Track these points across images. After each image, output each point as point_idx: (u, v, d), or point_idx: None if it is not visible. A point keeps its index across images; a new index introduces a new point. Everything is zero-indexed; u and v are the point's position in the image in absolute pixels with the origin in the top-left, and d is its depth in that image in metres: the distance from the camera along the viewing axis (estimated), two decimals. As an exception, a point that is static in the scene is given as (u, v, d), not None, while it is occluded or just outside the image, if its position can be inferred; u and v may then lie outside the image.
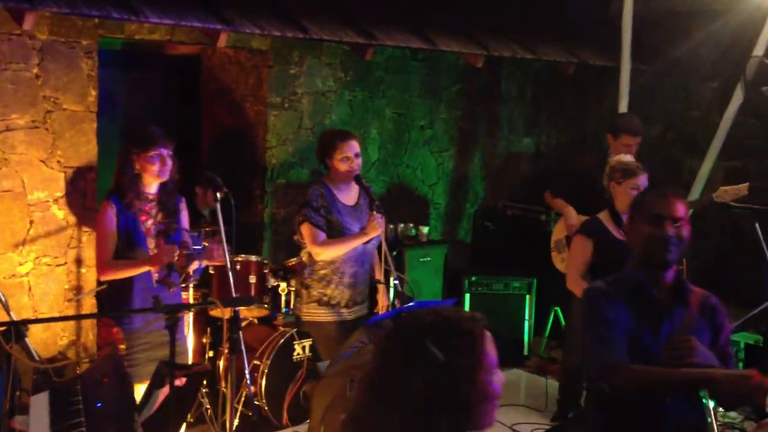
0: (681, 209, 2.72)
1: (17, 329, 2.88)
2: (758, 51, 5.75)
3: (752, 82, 5.67)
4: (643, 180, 4.17)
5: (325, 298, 4.22)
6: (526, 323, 6.42)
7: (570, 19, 7.12)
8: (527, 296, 6.41)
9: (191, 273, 3.88)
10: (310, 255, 4.27)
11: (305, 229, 4.15)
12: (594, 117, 7.37)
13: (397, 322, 1.75)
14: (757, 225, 4.78)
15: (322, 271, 4.22)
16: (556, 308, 6.34)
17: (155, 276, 3.79)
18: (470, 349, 1.66)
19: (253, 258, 4.90)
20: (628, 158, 4.35)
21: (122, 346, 3.70)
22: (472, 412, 1.66)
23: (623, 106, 6.19)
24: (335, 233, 4.15)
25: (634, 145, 5.23)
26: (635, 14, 6.17)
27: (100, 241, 3.83)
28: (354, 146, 4.20)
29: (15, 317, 3.31)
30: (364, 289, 4.33)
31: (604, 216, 4.28)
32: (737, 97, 5.94)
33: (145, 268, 3.75)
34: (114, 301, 3.87)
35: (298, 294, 4.45)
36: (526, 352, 6.44)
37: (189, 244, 3.83)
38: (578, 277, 4.17)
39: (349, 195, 4.29)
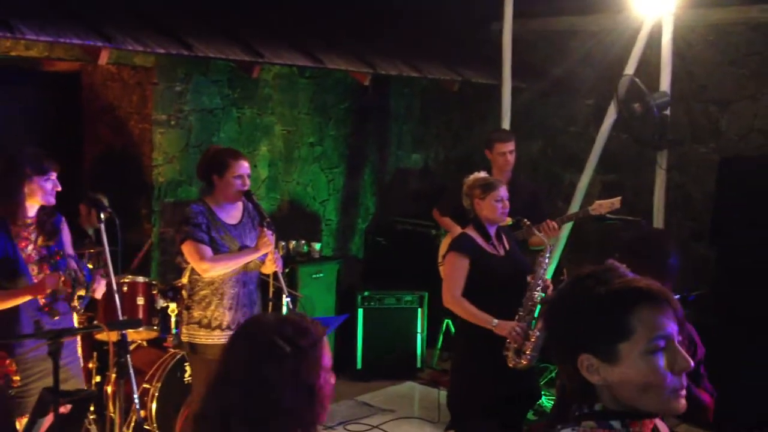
0: None
1: None
2: (629, 70, 6.05)
3: (624, 99, 5.96)
4: (503, 191, 4.21)
5: (205, 320, 4.12)
6: (419, 336, 6.52)
7: (454, 39, 7.33)
8: (419, 309, 6.51)
9: (77, 304, 3.75)
10: (191, 277, 4.20)
11: (188, 246, 4.04)
12: (479, 133, 7.59)
13: (245, 325, 1.91)
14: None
15: (202, 292, 4.14)
16: (447, 321, 6.47)
17: (42, 302, 3.65)
18: (312, 346, 1.82)
19: (141, 279, 4.79)
20: (483, 174, 4.41)
21: (17, 378, 3.54)
22: (320, 404, 1.81)
23: (506, 123, 6.40)
24: (214, 252, 4.08)
25: (508, 153, 5.41)
26: (515, 34, 6.40)
27: None
28: (246, 166, 4.17)
29: None
30: (249, 311, 4.23)
31: (471, 232, 4.23)
32: (611, 114, 6.22)
33: (26, 298, 3.58)
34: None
35: (179, 315, 4.36)
36: (419, 364, 6.54)
37: (75, 271, 3.69)
38: (459, 296, 4.08)
39: (231, 214, 4.21)
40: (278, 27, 6.16)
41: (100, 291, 3.84)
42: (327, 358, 1.85)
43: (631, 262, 3.25)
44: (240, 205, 4.26)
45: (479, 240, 4.19)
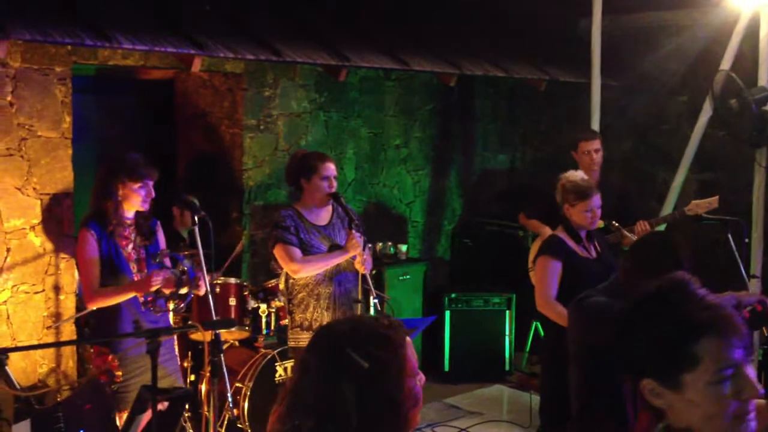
0: None
1: (-3, 358, 2.87)
2: (725, 65, 5.85)
3: (720, 95, 5.77)
4: (595, 200, 4.11)
5: (306, 323, 4.20)
6: (507, 339, 6.45)
7: (540, 37, 7.23)
8: (507, 312, 6.44)
9: (181, 304, 3.86)
10: (286, 282, 4.27)
11: (279, 250, 4.13)
12: (567, 133, 7.46)
13: (316, 334, 1.74)
14: (729, 236, 4.85)
15: (300, 295, 4.21)
16: (536, 323, 6.38)
17: (141, 300, 3.79)
18: (392, 355, 1.65)
19: (233, 280, 4.89)
20: (579, 174, 4.29)
21: (119, 373, 3.69)
22: (404, 417, 1.66)
23: (595, 121, 6.27)
24: (305, 253, 4.14)
25: (593, 151, 5.28)
26: (604, 31, 6.26)
27: (84, 270, 3.81)
28: (333, 168, 4.23)
29: (-6, 346, 3.28)
30: (348, 310, 4.26)
31: (562, 233, 4.16)
32: (706, 111, 6.03)
33: (132, 294, 3.74)
34: (102, 328, 3.85)
35: (269, 317, 4.50)
36: (507, 367, 6.46)
37: (182, 271, 3.81)
38: (552, 300, 4.03)
39: (321, 216, 4.28)
40: (363, 30, 6.20)
41: (203, 288, 3.95)
42: (412, 362, 1.68)
43: (642, 270, 3.13)
44: (329, 207, 4.31)
45: (570, 242, 4.13)
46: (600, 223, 4.28)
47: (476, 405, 5.89)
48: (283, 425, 1.67)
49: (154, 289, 3.71)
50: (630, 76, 6.99)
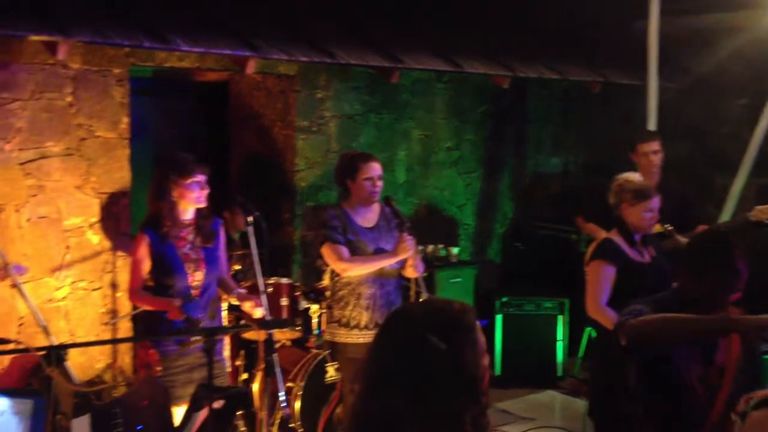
0: None
1: (57, 353, 2.92)
2: (787, 66, 5.72)
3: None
4: (656, 201, 4.02)
5: (344, 320, 4.21)
6: (559, 344, 6.36)
7: (595, 39, 7.13)
8: (559, 316, 6.35)
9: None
10: (331, 278, 4.29)
11: (327, 249, 4.14)
12: (622, 136, 7.33)
13: (392, 319, 1.80)
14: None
15: (341, 292, 4.23)
16: (589, 329, 6.28)
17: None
18: (466, 337, 1.73)
19: (284, 280, 4.91)
20: (636, 177, 4.21)
21: (159, 368, 3.73)
22: (481, 394, 1.74)
23: (652, 124, 6.16)
24: (351, 254, 4.14)
25: (651, 153, 5.18)
26: (661, 32, 6.16)
27: (131, 271, 3.92)
28: (377, 168, 4.20)
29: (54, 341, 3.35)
30: (386, 312, 4.21)
31: (616, 237, 4.07)
32: (767, 114, 5.89)
33: (162, 308, 3.76)
34: (152, 323, 3.91)
35: (321, 316, 4.50)
36: (559, 372, 6.38)
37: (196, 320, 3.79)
38: (603, 305, 3.95)
39: (367, 217, 4.26)
40: (416, 32, 6.18)
41: (259, 312, 3.97)
42: (483, 343, 1.76)
43: (692, 269, 3.04)
44: (376, 208, 4.30)
45: (624, 245, 4.05)
46: (657, 227, 4.19)
47: (528, 410, 5.82)
48: (364, 405, 1.73)
49: (172, 317, 3.73)
50: (687, 79, 6.86)
